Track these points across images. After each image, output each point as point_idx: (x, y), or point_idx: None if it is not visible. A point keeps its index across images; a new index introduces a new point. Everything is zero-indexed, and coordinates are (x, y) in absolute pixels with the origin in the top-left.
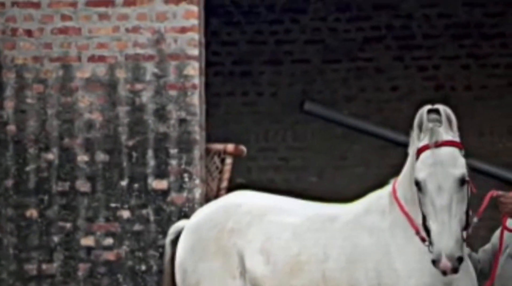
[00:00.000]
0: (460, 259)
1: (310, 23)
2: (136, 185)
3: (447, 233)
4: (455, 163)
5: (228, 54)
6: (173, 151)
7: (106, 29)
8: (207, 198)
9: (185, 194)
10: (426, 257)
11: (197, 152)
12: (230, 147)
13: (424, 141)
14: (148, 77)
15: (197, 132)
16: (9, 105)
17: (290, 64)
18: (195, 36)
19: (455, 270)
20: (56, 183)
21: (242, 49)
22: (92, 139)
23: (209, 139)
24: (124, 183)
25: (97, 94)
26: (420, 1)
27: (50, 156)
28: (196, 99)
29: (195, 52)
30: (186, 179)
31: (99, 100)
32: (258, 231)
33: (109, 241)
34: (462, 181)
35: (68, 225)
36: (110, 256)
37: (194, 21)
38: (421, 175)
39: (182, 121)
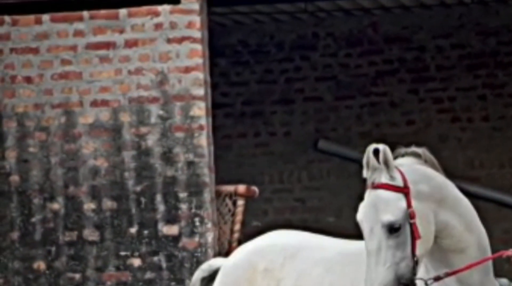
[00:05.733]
0: None
1: (320, 59)
2: (146, 232)
3: (371, 281)
4: (385, 208)
5: (238, 94)
6: (183, 195)
7: (107, 72)
8: (220, 242)
9: (197, 238)
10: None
11: (207, 195)
12: (241, 188)
13: (368, 181)
14: (153, 119)
15: (206, 174)
16: (11, 155)
17: (302, 102)
18: (200, 75)
19: None
20: (63, 233)
21: (252, 89)
22: (98, 186)
23: (222, 182)
24: (133, 230)
25: (101, 139)
26: (432, 33)
27: (56, 205)
28: (203, 140)
29: (200, 92)
30: (198, 223)
31: (104, 145)
32: (291, 269)
33: None
34: (390, 228)
35: (77, 276)
36: None
37: (198, 60)
38: (358, 216)
39: (190, 163)
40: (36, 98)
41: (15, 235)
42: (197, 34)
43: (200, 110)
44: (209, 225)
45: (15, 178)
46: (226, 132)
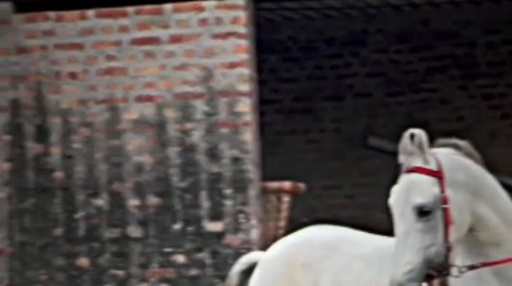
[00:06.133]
0: None
1: (370, 55)
2: (190, 228)
3: (397, 263)
4: (417, 191)
5: (287, 91)
6: (228, 191)
7: (152, 68)
8: (265, 239)
9: (241, 235)
10: (484, 280)
11: (252, 192)
12: (287, 185)
13: (402, 165)
14: (198, 115)
15: (252, 171)
16: (56, 151)
17: (352, 99)
18: (245, 71)
19: None
20: (107, 229)
21: (302, 85)
22: (143, 182)
23: (272, 179)
24: (177, 226)
25: (146, 135)
26: (482, 28)
27: (100, 202)
28: (249, 136)
29: (246, 87)
30: (242, 220)
31: (148, 141)
32: (330, 264)
33: None
34: (421, 211)
35: (121, 272)
36: None
37: (244, 56)
38: (390, 200)
39: (235, 159)
40: (80, 94)
41: (58, 231)
42: (243, 30)
43: (245, 106)
44: (254, 221)
45: (59, 174)
46: (276, 128)
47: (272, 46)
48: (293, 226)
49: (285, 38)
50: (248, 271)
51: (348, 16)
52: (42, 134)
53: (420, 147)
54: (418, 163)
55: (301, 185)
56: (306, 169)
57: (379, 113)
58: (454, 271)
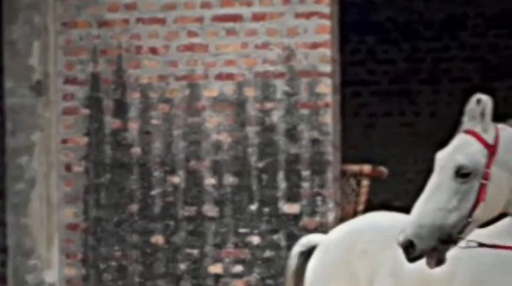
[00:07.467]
0: (411, 245)
1: (469, 39)
2: (266, 209)
3: (416, 215)
4: (465, 152)
5: (384, 72)
6: (305, 173)
7: (234, 46)
8: (342, 222)
9: (318, 218)
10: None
11: (330, 174)
12: (367, 168)
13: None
14: (278, 95)
15: (331, 153)
16: (134, 126)
17: (448, 83)
18: (327, 52)
19: (407, 253)
20: (183, 207)
21: (399, 67)
22: (220, 161)
23: (367, 160)
24: (253, 207)
25: (225, 113)
26: None
27: (176, 179)
28: (329, 118)
29: (327, 68)
30: (319, 203)
31: (227, 120)
32: (389, 253)
33: (238, 268)
34: (460, 171)
35: (195, 251)
36: (239, 284)
37: (326, 36)
38: (437, 155)
39: (314, 141)
40: (160, 69)
41: (134, 207)
42: (326, 10)
43: (326, 87)
44: (331, 204)
45: (136, 150)
46: (371, 110)
47: (370, 27)
48: (383, 210)
49: (383, 19)
50: (307, 253)
51: None
52: (120, 109)
53: (482, 113)
54: (477, 128)
55: (383, 169)
56: (400, 151)
57: None
58: (461, 243)
